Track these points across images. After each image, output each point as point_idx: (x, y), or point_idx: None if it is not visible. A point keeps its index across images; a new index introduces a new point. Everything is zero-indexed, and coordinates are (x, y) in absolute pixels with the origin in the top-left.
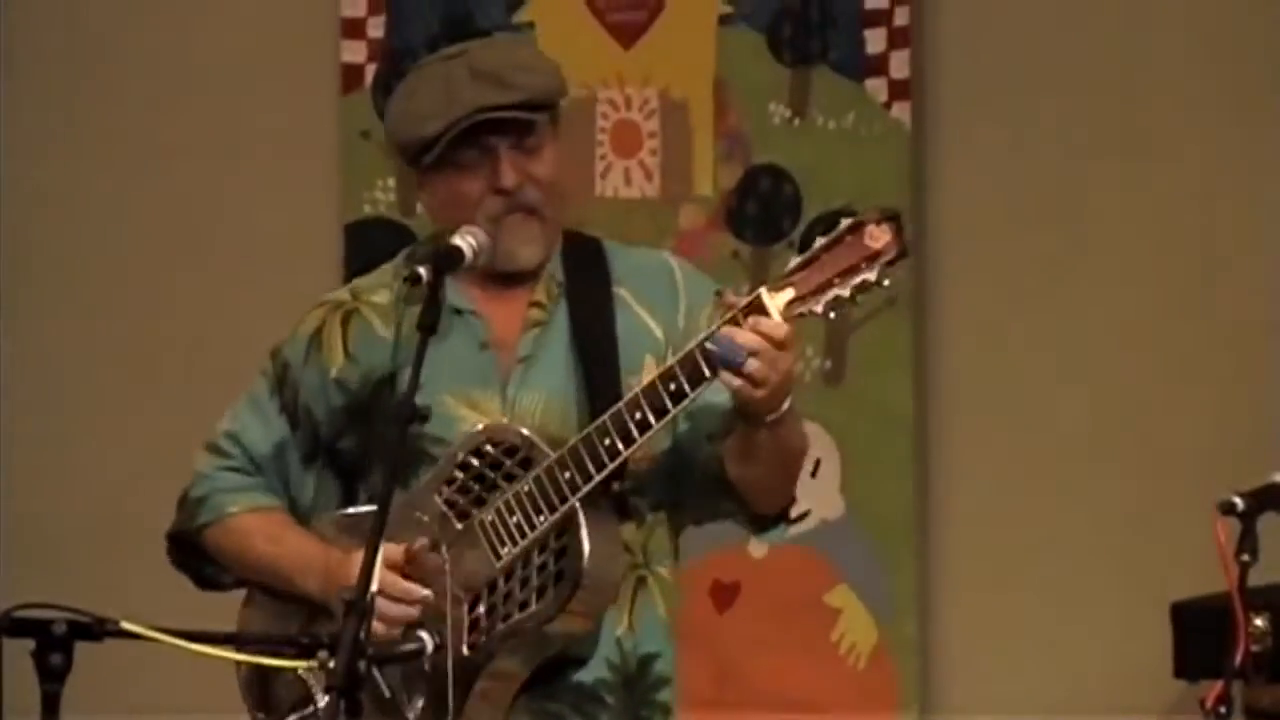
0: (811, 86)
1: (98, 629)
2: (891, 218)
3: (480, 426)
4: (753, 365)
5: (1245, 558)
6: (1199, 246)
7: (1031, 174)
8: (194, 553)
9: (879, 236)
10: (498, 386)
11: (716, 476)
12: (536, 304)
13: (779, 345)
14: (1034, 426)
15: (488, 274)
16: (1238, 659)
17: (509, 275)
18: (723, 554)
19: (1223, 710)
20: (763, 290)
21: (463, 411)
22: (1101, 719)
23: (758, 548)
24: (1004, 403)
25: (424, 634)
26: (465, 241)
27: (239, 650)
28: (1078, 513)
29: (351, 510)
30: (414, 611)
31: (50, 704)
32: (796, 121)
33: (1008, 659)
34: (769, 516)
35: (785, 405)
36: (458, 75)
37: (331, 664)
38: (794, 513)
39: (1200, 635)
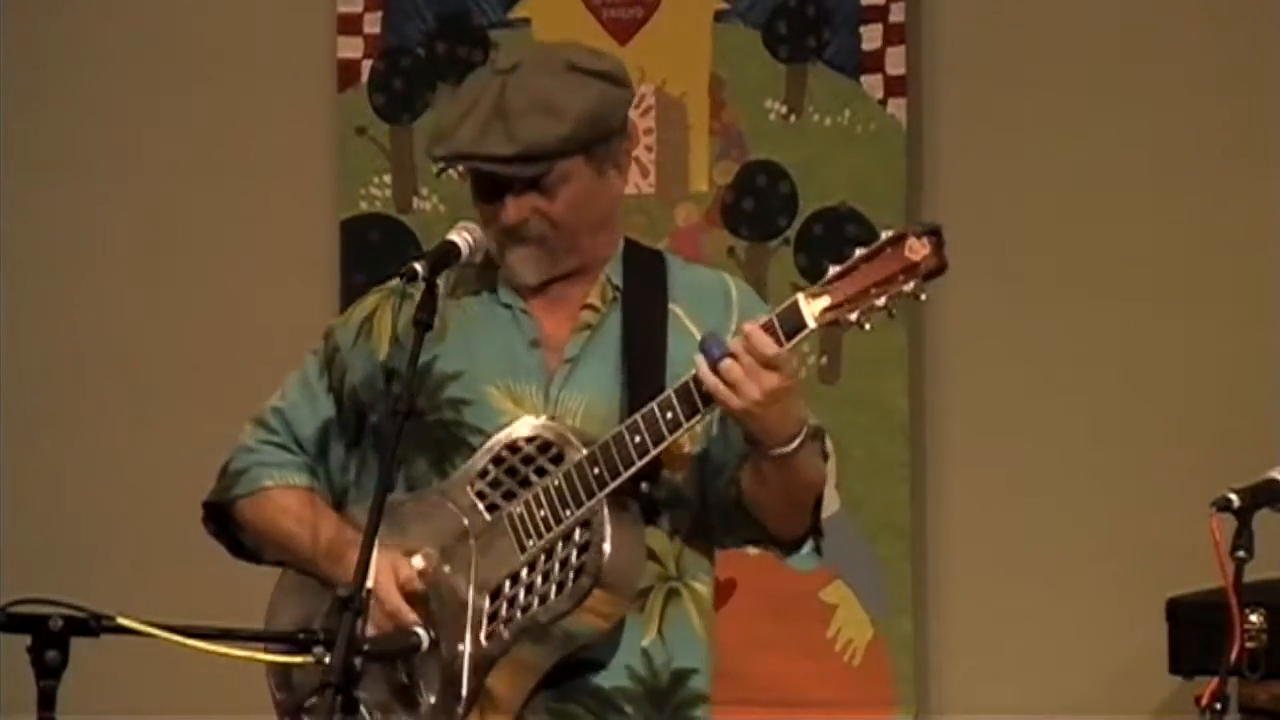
0: (807, 83)
1: (94, 624)
2: (933, 232)
3: (517, 422)
4: (726, 364)
5: (1241, 554)
6: (1197, 243)
7: (1027, 170)
8: (228, 523)
9: (919, 250)
10: (542, 384)
11: (735, 501)
12: (590, 306)
13: (764, 362)
14: (1029, 423)
15: None
16: (1233, 655)
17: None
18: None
19: (1218, 707)
20: (799, 296)
21: (506, 405)
22: (1097, 715)
23: None
24: (999, 399)
25: (420, 630)
26: (461, 238)
27: (235, 645)
28: (1073, 509)
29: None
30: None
31: (46, 700)
32: (792, 118)
33: (1003, 655)
34: (788, 542)
35: (792, 446)
36: (485, 102)
37: (327, 660)
38: (820, 542)
39: (1196, 632)
